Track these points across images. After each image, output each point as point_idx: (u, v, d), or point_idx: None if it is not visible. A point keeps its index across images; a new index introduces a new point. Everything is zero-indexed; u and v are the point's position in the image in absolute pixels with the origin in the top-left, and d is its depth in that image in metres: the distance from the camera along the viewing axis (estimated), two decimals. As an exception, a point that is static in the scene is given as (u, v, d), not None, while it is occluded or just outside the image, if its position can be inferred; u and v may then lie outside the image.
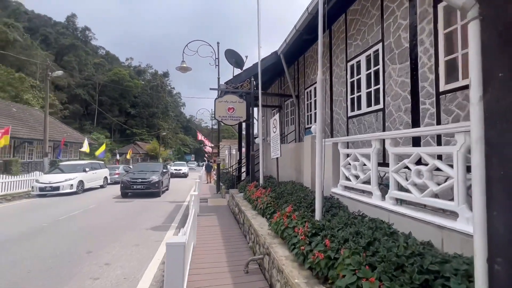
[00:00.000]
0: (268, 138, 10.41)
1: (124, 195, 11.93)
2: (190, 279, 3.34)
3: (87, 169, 13.94)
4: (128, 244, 5.36)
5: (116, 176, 17.43)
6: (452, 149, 2.38)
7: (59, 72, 16.49)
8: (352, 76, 6.24)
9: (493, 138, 1.29)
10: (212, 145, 22.52)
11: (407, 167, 3.13)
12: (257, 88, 8.19)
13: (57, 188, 12.06)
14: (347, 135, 6.24)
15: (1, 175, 11.99)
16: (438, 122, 3.90)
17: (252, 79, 8.67)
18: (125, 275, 3.98)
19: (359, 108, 5.94)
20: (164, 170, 13.95)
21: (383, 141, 3.87)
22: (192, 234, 4.33)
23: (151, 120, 63.12)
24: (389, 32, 4.95)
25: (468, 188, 2.36)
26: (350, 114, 6.27)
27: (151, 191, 11.87)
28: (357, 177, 3.92)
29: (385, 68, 5.09)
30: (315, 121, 7.95)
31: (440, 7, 3.87)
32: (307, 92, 8.88)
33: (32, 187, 12.30)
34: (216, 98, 8.61)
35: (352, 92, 6.21)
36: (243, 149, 11.60)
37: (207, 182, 18.16)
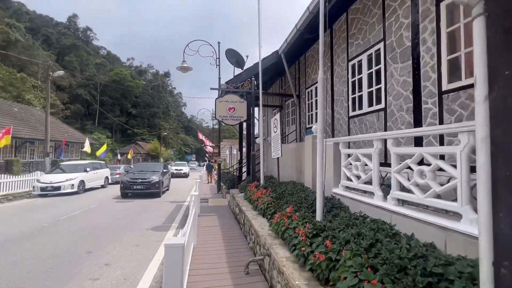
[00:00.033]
0: (269, 138, 10.38)
1: (124, 195, 11.80)
2: (190, 280, 3.32)
3: (88, 169, 13.96)
4: (128, 244, 5.34)
5: (117, 176, 17.44)
6: (456, 149, 2.34)
7: (60, 72, 16.51)
8: (353, 75, 6.20)
9: (499, 138, 1.25)
10: (213, 145, 22.52)
11: (409, 168, 3.09)
12: (258, 88, 8.16)
13: (58, 188, 12.08)
14: (348, 135, 6.20)
15: (3, 175, 12.02)
16: (441, 122, 3.86)
17: (253, 78, 8.64)
18: (125, 276, 3.96)
19: (360, 107, 5.90)
20: (164, 170, 13.78)
21: (384, 141, 3.84)
22: (192, 235, 4.30)
23: (152, 120, 63.22)
24: (390, 31, 4.91)
25: (472, 188, 2.32)
26: (351, 113, 6.22)
27: (151, 191, 11.74)
28: (358, 177, 3.88)
29: (386, 67, 5.04)
30: (316, 121, 7.91)
31: (443, 5, 3.83)
32: (308, 92, 8.84)
33: (33, 187, 12.33)
34: (216, 98, 8.59)
35: (354, 92, 6.17)
36: (244, 149, 11.57)
37: (208, 182, 18.15)
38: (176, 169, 25.44)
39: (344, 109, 6.54)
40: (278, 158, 6.39)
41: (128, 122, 58.07)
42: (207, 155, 33.12)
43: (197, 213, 6.29)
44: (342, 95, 6.62)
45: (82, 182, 13.15)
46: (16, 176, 12.89)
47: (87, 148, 20.68)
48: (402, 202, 3.18)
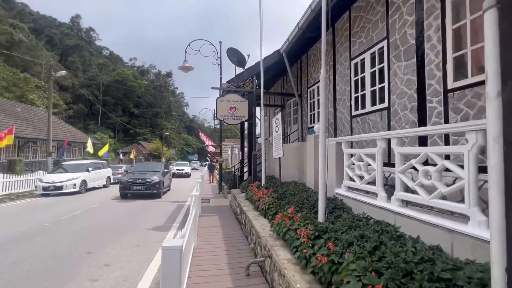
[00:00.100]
0: (270, 137, 10.31)
1: (123, 196, 11.48)
2: (189, 281, 3.27)
3: (90, 169, 13.98)
4: (129, 245, 5.31)
5: (119, 175, 17.46)
6: (463, 149, 2.26)
7: (63, 72, 16.57)
8: (356, 74, 6.11)
9: (512, 136, 1.18)
10: (215, 145, 22.50)
11: (413, 168, 3.02)
12: (259, 87, 8.09)
13: (60, 188, 12.10)
14: (351, 135, 6.12)
15: (5, 175, 12.07)
16: (446, 121, 3.77)
17: (255, 78, 8.57)
18: (124, 277, 3.92)
19: (363, 107, 5.81)
20: (165, 170, 13.51)
21: (388, 141, 3.76)
22: (193, 235, 4.25)
23: (154, 120, 63.38)
24: (394, 28, 4.82)
25: (479, 189, 2.24)
26: (354, 113, 6.14)
27: (151, 192, 11.44)
28: (361, 177, 3.80)
29: (390, 65, 4.96)
30: (318, 121, 7.84)
31: (448, 1, 3.74)
32: (310, 91, 8.76)
33: (36, 187, 12.37)
34: (218, 97, 8.53)
35: (356, 91, 6.08)
36: (246, 149, 11.51)
37: (210, 182, 18.12)
38: (177, 169, 25.38)
39: (346, 108, 6.46)
40: (279, 158, 6.32)
41: (130, 122, 58.27)
42: (209, 154, 33.12)
43: (198, 213, 6.25)
44: (345, 94, 6.54)
45: (84, 182, 13.17)
46: (19, 176, 12.94)
47: (89, 148, 20.77)
48: (406, 203, 3.10)
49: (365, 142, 5.46)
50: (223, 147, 16.08)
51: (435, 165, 2.61)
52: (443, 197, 2.63)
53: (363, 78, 5.84)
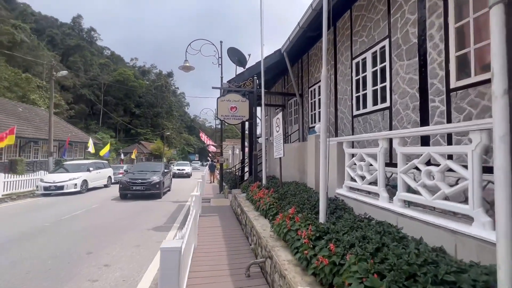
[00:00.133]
0: (271, 137, 10.28)
1: (123, 196, 11.27)
2: (189, 282, 3.24)
3: (91, 169, 13.99)
4: (129, 245, 5.29)
5: (120, 175, 17.48)
6: (467, 149, 2.22)
7: (64, 72, 16.59)
8: (357, 73, 6.07)
9: (520, 136, 1.15)
10: (216, 145, 22.48)
11: (415, 168, 2.98)
12: (260, 87, 8.06)
13: (61, 188, 12.11)
14: (352, 135, 6.08)
15: (7, 175, 12.09)
16: (449, 121, 3.73)
17: (255, 77, 8.54)
18: (124, 277, 3.90)
19: (364, 106, 5.77)
20: (165, 170, 13.30)
21: (390, 141, 3.72)
22: (193, 236, 4.22)
23: (156, 120, 63.46)
24: (396, 27, 4.78)
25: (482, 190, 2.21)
26: (355, 112, 6.10)
27: (151, 192, 11.22)
28: (363, 177, 3.77)
29: (392, 65, 4.91)
30: (319, 120, 7.80)
31: None
32: (311, 91, 8.72)
33: (37, 186, 12.39)
34: (218, 97, 8.50)
35: (358, 90, 6.04)
36: (246, 149, 11.48)
37: (210, 182, 18.11)
38: (178, 169, 25.28)
39: (347, 108, 6.42)
40: (280, 158, 6.29)
41: (131, 122, 58.37)
42: (209, 154, 33.12)
43: (198, 213, 6.22)
44: (346, 93, 6.50)
45: (85, 182, 13.18)
46: (20, 176, 12.96)
47: (91, 148, 20.81)
48: (408, 204, 3.06)
49: (367, 142, 5.42)
50: (224, 147, 16.07)
51: (438, 165, 2.57)
52: (446, 198, 2.60)
53: (364, 78, 5.80)
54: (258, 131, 11.51)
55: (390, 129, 4.89)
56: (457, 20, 3.63)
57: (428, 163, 2.89)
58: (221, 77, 10.18)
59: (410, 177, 3.01)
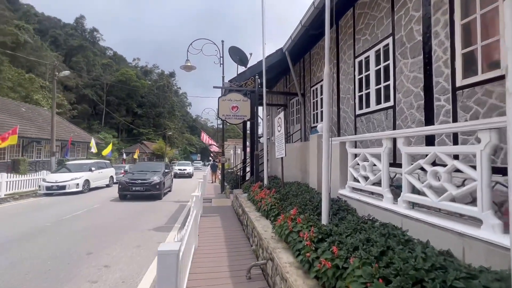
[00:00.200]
0: (273, 137, 10.22)
1: (122, 197, 10.97)
2: (189, 284, 3.19)
3: (93, 169, 14.02)
4: (129, 246, 5.25)
5: (122, 175, 17.52)
6: (475, 149, 2.14)
7: (66, 72, 16.65)
8: (360, 72, 5.99)
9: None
10: (217, 145, 22.45)
11: (420, 169, 2.90)
12: (262, 86, 7.99)
13: (63, 187, 12.15)
14: (355, 134, 6.00)
15: (9, 174, 12.13)
16: (455, 120, 3.64)
17: (257, 77, 8.48)
18: (123, 279, 3.85)
19: (367, 105, 5.68)
20: (166, 170, 12.98)
21: (394, 140, 3.63)
22: (193, 237, 4.17)
23: (158, 120, 63.60)
24: (400, 25, 4.69)
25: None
26: (358, 112, 6.01)
27: (152, 193, 10.90)
28: (366, 178, 3.69)
29: (395, 63, 4.83)
30: (321, 120, 7.72)
31: (457, -4, 3.61)
32: (313, 90, 8.64)
33: (39, 186, 12.43)
34: (219, 97, 8.45)
35: (360, 89, 5.96)
36: (248, 149, 11.42)
37: (212, 182, 18.08)
38: (179, 169, 25.00)
39: (350, 107, 6.33)
40: (282, 158, 6.22)
41: (133, 122, 58.55)
42: (211, 154, 33.10)
43: (199, 214, 6.17)
44: (349, 93, 6.41)
45: (87, 182, 13.21)
46: (22, 175, 13.01)
47: (93, 148, 20.88)
48: (413, 205, 2.98)
49: (370, 142, 5.34)
50: (225, 147, 16.03)
51: (444, 165, 2.49)
52: (452, 199, 2.52)
53: (367, 76, 5.71)
54: (260, 131, 11.45)
55: (394, 128, 4.81)
56: (464, 17, 3.54)
57: (433, 163, 2.81)
58: (223, 77, 10.13)
59: (415, 177, 2.93)
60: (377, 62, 5.41)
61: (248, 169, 11.02)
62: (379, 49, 5.31)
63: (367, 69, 5.71)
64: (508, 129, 1.18)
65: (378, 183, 3.44)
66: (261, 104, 8.24)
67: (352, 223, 2.93)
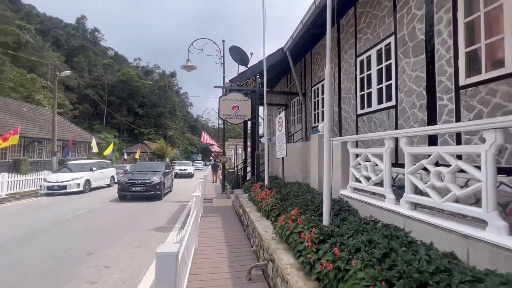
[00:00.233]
0: (273, 137, 10.18)
1: (122, 198, 10.77)
2: (189, 285, 3.16)
3: (94, 168, 14.03)
4: (130, 246, 5.23)
5: (122, 175, 17.52)
6: (480, 149, 2.10)
7: (67, 72, 16.65)
8: (361, 72, 5.94)
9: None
10: (218, 144, 22.43)
11: (423, 169, 2.86)
12: (263, 86, 7.96)
13: (64, 187, 12.15)
14: (357, 134, 5.95)
15: (11, 174, 12.16)
16: (458, 119, 3.60)
17: (257, 76, 8.44)
18: (123, 279, 3.83)
19: (369, 105, 5.64)
20: (166, 170, 12.76)
21: (396, 140, 3.59)
22: (193, 237, 4.15)
23: (159, 119, 63.68)
24: (402, 23, 4.64)
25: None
26: (359, 111, 5.97)
27: (152, 193, 10.70)
28: (368, 178, 3.65)
29: (397, 62, 4.78)
30: (322, 120, 7.68)
31: (460, -6, 3.56)
32: (314, 90, 8.60)
33: (40, 186, 12.45)
34: (220, 96, 8.42)
35: (362, 89, 5.91)
36: (249, 149, 11.39)
37: (213, 182, 18.06)
38: (180, 169, 24.75)
39: (352, 107, 6.29)
40: (283, 158, 6.18)
41: (135, 121, 58.65)
42: (212, 154, 33.11)
43: (200, 214, 6.15)
44: (350, 92, 6.37)
45: (88, 181, 13.21)
46: (24, 175, 13.03)
47: (94, 148, 20.91)
48: (415, 206, 2.94)
49: (371, 142, 5.30)
50: (226, 147, 16.00)
51: (447, 165, 2.45)
52: (456, 200, 2.48)
53: (369, 76, 5.67)
54: (261, 131, 11.42)
55: (396, 128, 4.76)
56: (467, 15, 3.49)
57: (436, 163, 2.77)
58: (223, 76, 10.11)
59: (418, 178, 2.88)
60: (379, 61, 5.36)
61: (249, 169, 10.99)
62: (381, 48, 5.26)
63: (369, 68, 5.66)
64: (516, 128, 1.15)
65: (380, 184, 3.40)
66: (262, 104, 8.21)
67: (353, 224, 2.89)
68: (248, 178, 10.29)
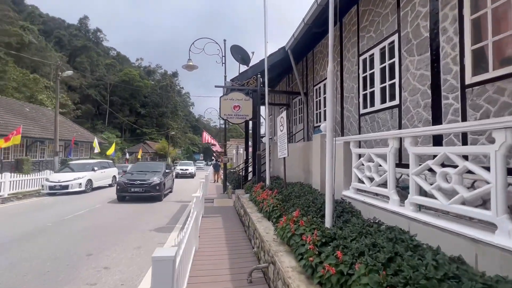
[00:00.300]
0: (275, 137, 10.10)
1: (120, 198, 10.48)
2: (189, 287, 3.11)
3: (96, 168, 14.04)
4: (130, 247, 5.19)
5: (121, 176, 17.52)
6: (489, 149, 2.02)
7: (69, 72, 16.70)
8: (364, 70, 5.85)
9: None
10: (219, 144, 22.40)
11: (428, 169, 2.77)
12: (264, 86, 7.89)
13: (66, 187, 12.17)
14: (359, 134, 5.87)
15: (13, 174, 12.19)
16: (464, 119, 3.51)
17: (259, 76, 8.37)
18: (123, 281, 3.79)
19: (372, 104, 5.55)
20: (167, 171, 12.41)
21: (400, 140, 3.51)
22: (193, 238, 4.09)
23: (161, 119, 63.81)
24: (406, 21, 4.56)
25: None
26: (362, 111, 5.88)
27: (151, 194, 10.37)
28: (371, 179, 3.57)
29: (401, 60, 4.69)
30: (324, 119, 7.59)
31: (466, -10, 3.47)
32: (316, 89, 8.52)
33: (42, 186, 12.47)
34: (221, 96, 8.36)
35: (365, 88, 5.82)
36: (250, 149, 11.32)
37: (214, 181, 18.03)
38: (181, 169, 24.41)
39: (354, 106, 6.20)
40: (284, 158, 6.11)
41: (137, 121, 58.82)
42: (214, 154, 33.09)
43: (201, 215, 6.09)
44: (352, 91, 6.28)
45: (89, 181, 13.22)
46: (26, 175, 13.07)
47: (96, 148, 20.96)
48: (419, 207, 2.86)
49: (374, 142, 5.22)
50: (228, 147, 15.94)
51: (454, 166, 2.37)
52: (462, 202, 2.40)
53: (372, 75, 5.58)
54: (262, 131, 11.34)
55: (399, 128, 4.68)
56: (473, 12, 3.40)
57: (442, 164, 2.68)
58: (225, 76, 10.06)
59: (423, 179, 2.81)
60: (382, 60, 5.27)
61: (250, 169, 10.93)
62: (384, 47, 5.17)
63: (372, 67, 5.58)
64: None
65: (383, 185, 3.32)
66: (263, 104, 8.14)
67: (357, 226, 2.82)
68: (249, 178, 10.23)
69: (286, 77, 11.85)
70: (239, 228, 5.85)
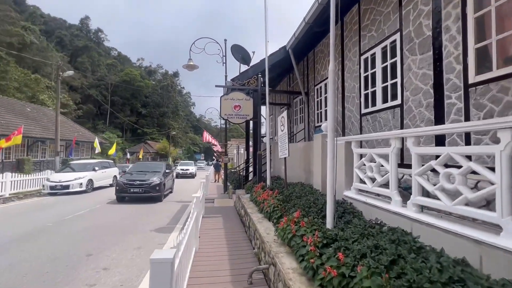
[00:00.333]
0: (276, 137, 10.07)
1: (120, 199, 10.33)
2: (188, 289, 3.08)
3: (96, 168, 14.05)
4: (130, 247, 5.17)
5: (120, 176, 17.52)
6: (494, 149, 1.98)
7: (70, 72, 16.71)
8: (366, 70, 5.81)
9: None
10: (220, 144, 22.38)
11: (431, 170, 2.73)
12: (265, 85, 7.85)
13: (67, 187, 12.17)
14: (360, 134, 5.82)
15: (14, 174, 12.21)
16: (467, 118, 3.46)
17: (260, 75, 8.34)
18: (122, 282, 3.76)
19: (373, 104, 5.51)
20: (167, 171, 12.23)
21: (402, 140, 3.47)
22: (193, 239, 4.06)
23: (162, 119, 63.88)
24: (408, 20, 4.51)
25: None
26: (363, 111, 5.84)
27: (151, 195, 10.22)
28: (373, 179, 3.52)
29: (403, 60, 4.65)
30: (325, 119, 7.55)
31: (470, -12, 3.42)
32: (317, 89, 8.48)
33: (43, 186, 12.48)
34: (221, 96, 8.33)
35: (366, 88, 5.78)
36: (251, 149, 11.29)
37: (215, 181, 18.01)
38: (181, 169, 24.26)
39: (355, 106, 6.16)
40: (285, 158, 6.08)
41: (138, 121, 58.90)
42: (215, 154, 33.08)
43: (201, 215, 6.06)
44: (354, 91, 6.24)
45: (90, 181, 13.23)
46: (27, 175, 13.09)
47: (98, 149, 20.98)
48: (422, 208, 2.82)
49: (376, 142, 5.17)
50: (228, 147, 15.93)
51: (456, 167, 2.33)
52: (466, 203, 2.35)
53: (373, 74, 5.54)
54: (263, 131, 11.31)
55: (401, 128, 4.63)
56: (477, 10, 3.36)
57: (445, 164, 2.64)
58: (225, 76, 10.01)
59: (426, 179, 2.76)
60: (384, 59, 5.23)
61: (251, 169, 10.90)
62: (386, 46, 5.13)
63: (373, 66, 5.53)
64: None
65: (385, 185, 3.28)
66: (264, 103, 8.11)
67: (358, 227, 2.78)
68: (250, 178, 10.20)
69: (287, 77, 11.81)
70: (240, 228, 5.82)
